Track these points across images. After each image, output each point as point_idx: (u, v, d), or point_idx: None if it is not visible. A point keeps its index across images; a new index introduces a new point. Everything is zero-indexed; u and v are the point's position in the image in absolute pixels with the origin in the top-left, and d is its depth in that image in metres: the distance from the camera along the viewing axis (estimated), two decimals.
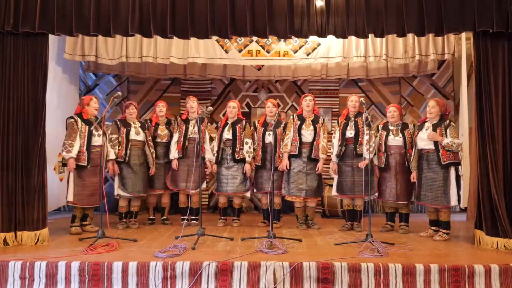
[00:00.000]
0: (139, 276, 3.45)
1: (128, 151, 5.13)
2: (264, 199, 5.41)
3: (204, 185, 5.47)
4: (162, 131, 5.43)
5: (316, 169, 5.07)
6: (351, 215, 5.18)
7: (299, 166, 5.07)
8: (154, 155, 5.29)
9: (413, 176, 4.77)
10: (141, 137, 5.22)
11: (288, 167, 5.07)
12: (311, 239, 4.57)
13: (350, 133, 5.04)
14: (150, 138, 5.33)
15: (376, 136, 5.04)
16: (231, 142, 5.28)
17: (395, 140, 4.95)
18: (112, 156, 5.05)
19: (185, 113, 5.49)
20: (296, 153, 5.06)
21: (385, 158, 4.95)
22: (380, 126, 5.14)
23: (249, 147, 5.26)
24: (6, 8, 4.30)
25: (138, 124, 5.28)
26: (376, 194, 5.00)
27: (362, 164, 4.89)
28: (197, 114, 5.31)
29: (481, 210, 4.30)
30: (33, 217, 4.29)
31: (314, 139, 5.08)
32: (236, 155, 5.23)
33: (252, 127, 5.45)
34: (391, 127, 5.04)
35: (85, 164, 4.77)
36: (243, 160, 5.26)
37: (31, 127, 4.37)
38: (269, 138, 5.20)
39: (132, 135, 5.18)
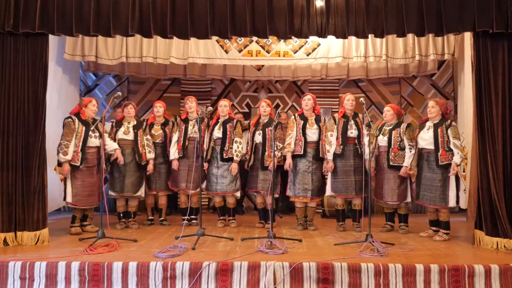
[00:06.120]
0: (139, 276, 3.45)
1: None
2: (258, 199, 5.36)
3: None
4: (156, 131, 5.38)
5: (323, 170, 5.06)
6: (344, 215, 5.19)
7: (305, 166, 5.02)
8: (146, 155, 5.17)
9: (403, 172, 4.77)
10: (130, 136, 5.17)
11: (290, 167, 5.02)
12: (311, 239, 4.57)
13: (351, 132, 5.02)
14: (148, 137, 5.27)
15: (376, 136, 5.04)
16: (220, 141, 5.24)
17: (383, 140, 4.96)
18: (115, 145, 5.02)
19: (184, 113, 5.47)
20: (302, 153, 4.99)
21: (375, 158, 5.01)
22: (379, 127, 5.14)
23: (238, 147, 5.19)
24: (6, 8, 4.29)
25: (132, 124, 5.24)
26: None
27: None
28: (197, 114, 5.28)
29: (481, 210, 4.29)
30: (33, 217, 4.29)
31: (319, 138, 5.05)
32: (224, 154, 5.18)
33: (247, 127, 5.43)
34: (385, 127, 5.04)
35: (78, 164, 4.74)
36: (232, 160, 5.20)
37: (31, 127, 4.36)
38: (259, 137, 5.15)
39: (120, 135, 5.16)
